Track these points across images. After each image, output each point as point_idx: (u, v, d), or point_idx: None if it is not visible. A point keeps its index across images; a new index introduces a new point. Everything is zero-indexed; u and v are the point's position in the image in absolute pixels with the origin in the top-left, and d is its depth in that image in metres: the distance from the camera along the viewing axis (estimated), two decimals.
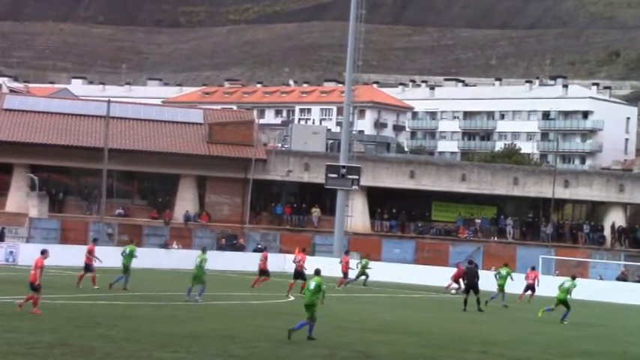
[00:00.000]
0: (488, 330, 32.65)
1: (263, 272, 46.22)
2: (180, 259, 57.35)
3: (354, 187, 69.07)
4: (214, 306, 35.20)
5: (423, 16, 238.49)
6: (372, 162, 78.65)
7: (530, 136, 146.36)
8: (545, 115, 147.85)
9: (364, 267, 52.88)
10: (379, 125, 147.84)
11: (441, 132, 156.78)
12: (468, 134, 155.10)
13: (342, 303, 40.36)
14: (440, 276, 56.87)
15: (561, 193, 79.84)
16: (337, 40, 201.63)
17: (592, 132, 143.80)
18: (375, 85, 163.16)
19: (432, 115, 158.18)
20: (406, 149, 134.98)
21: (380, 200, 78.63)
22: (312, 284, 26.33)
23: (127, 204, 75.38)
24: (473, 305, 40.11)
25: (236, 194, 75.63)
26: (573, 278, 38.67)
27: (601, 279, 62.27)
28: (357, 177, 68.55)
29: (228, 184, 75.25)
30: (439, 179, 78.94)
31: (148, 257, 55.70)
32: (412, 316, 36.66)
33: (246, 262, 59.38)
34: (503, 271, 45.23)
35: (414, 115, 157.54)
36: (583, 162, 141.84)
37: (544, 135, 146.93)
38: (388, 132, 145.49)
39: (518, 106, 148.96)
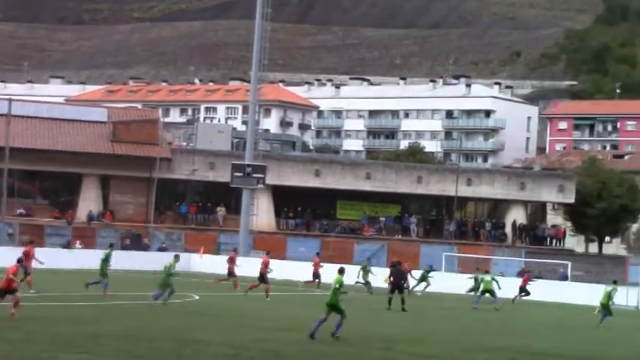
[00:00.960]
0: (395, 328, 32.96)
1: (262, 278, 44.55)
2: (83, 258, 56.70)
3: (259, 185, 69.12)
4: (118, 306, 34.93)
5: (328, 15, 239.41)
6: (277, 161, 78.74)
7: (434, 134, 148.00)
8: (449, 114, 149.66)
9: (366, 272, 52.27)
10: (285, 124, 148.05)
11: (346, 131, 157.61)
12: (372, 133, 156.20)
13: (251, 302, 40.34)
14: (345, 274, 57.18)
15: (464, 191, 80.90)
16: (243, 38, 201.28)
17: (494, 131, 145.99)
18: (280, 84, 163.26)
19: (338, 113, 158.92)
20: (311, 148, 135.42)
21: (285, 199, 78.76)
22: (336, 285, 27.53)
23: (28, 204, 74.21)
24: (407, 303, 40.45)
25: (140, 193, 75.04)
26: (615, 282, 39.17)
27: (502, 276, 63.23)
28: (262, 176, 68.62)
29: (133, 184, 74.62)
30: (344, 178, 79.37)
31: (50, 258, 54.89)
32: (314, 314, 36.77)
33: (150, 261, 58.91)
34: (487, 277, 46.40)
35: (320, 113, 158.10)
36: (485, 160, 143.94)
37: (447, 134, 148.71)
38: (294, 131, 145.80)
39: (422, 105, 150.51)
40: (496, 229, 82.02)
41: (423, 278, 52.67)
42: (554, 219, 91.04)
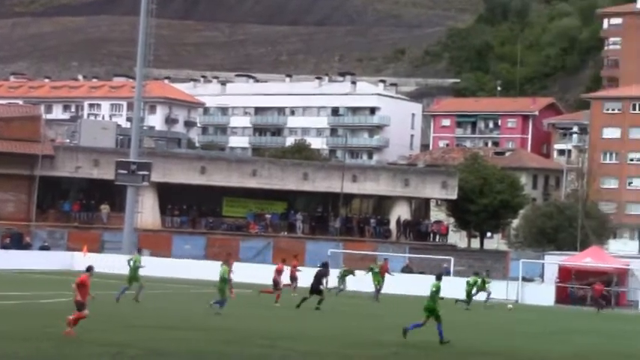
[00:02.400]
0: (280, 325, 33.08)
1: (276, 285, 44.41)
2: None
3: (144, 183, 68.57)
4: None
5: (214, 11, 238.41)
6: (162, 158, 78.22)
7: (319, 131, 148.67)
8: (334, 111, 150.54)
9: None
10: (170, 121, 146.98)
11: (232, 128, 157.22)
12: (258, 130, 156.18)
13: (147, 301, 40.04)
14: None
15: (349, 187, 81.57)
16: (127, 34, 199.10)
17: (379, 128, 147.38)
18: (166, 81, 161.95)
19: (224, 110, 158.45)
20: (197, 145, 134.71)
21: (171, 196, 78.30)
22: (432, 288, 29.17)
23: None
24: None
25: (22, 191, 73.72)
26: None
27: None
28: (147, 173, 68.07)
29: (14, 181, 73.20)
30: (230, 175, 79.27)
31: None
32: (202, 312, 36.71)
33: (31, 261, 58.00)
34: (471, 280, 49.01)
35: (206, 110, 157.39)
36: (370, 157, 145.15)
37: (333, 131, 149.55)
38: (179, 128, 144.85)
39: (308, 102, 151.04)
40: (381, 226, 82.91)
41: (343, 277, 53.20)
42: (437, 215, 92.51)
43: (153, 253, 64.14)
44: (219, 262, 38.49)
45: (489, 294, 52.52)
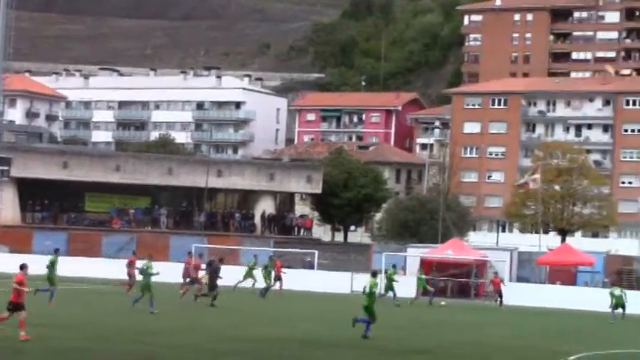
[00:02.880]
0: (146, 321, 32.88)
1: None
2: None
3: (3, 178, 67.14)
4: None
5: (77, 4, 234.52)
6: (23, 152, 76.71)
7: (184, 126, 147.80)
8: (199, 106, 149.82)
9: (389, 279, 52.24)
10: (31, 115, 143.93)
11: (95, 122, 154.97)
12: (122, 124, 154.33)
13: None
14: (93, 267, 57.11)
15: (214, 182, 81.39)
16: None
17: (244, 122, 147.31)
18: (27, 74, 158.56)
19: (87, 104, 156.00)
20: (59, 140, 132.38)
21: (31, 191, 76.82)
22: (367, 287, 30.57)
23: None
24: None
25: None
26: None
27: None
28: (6, 168, 66.68)
29: None
30: (93, 170, 78.24)
31: None
32: (66, 310, 36.21)
33: None
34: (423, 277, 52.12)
35: (68, 104, 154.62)
36: (235, 152, 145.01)
37: (198, 125, 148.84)
38: (40, 122, 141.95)
39: (172, 97, 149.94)
40: (245, 220, 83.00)
41: (249, 274, 52.96)
42: (302, 209, 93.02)
43: (12, 249, 62.91)
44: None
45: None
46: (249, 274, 53.67)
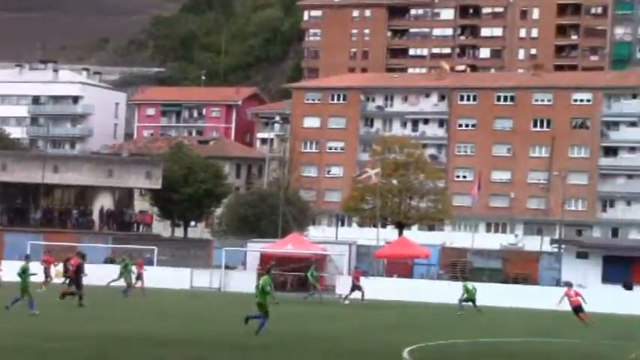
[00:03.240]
0: None
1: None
2: None
3: None
4: None
5: None
6: None
7: (19, 120, 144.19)
8: (35, 100, 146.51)
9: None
10: None
11: None
12: None
13: None
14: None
15: (51, 178, 79.83)
16: None
17: (82, 117, 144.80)
18: None
19: None
20: None
21: None
22: (261, 284, 31.01)
23: None
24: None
25: None
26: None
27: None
28: None
29: None
30: None
31: None
32: None
33: None
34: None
35: None
36: (73, 147, 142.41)
37: (34, 120, 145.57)
38: None
39: (7, 91, 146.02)
40: (83, 216, 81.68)
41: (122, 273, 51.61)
42: (141, 205, 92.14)
43: None
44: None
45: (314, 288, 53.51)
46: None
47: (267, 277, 31.38)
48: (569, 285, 43.56)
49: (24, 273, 35.93)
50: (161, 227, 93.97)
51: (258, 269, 60.32)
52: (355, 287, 52.56)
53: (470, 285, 48.27)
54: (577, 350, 32.66)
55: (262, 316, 31.10)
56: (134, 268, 51.51)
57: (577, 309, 41.68)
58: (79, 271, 41.00)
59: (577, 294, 42.03)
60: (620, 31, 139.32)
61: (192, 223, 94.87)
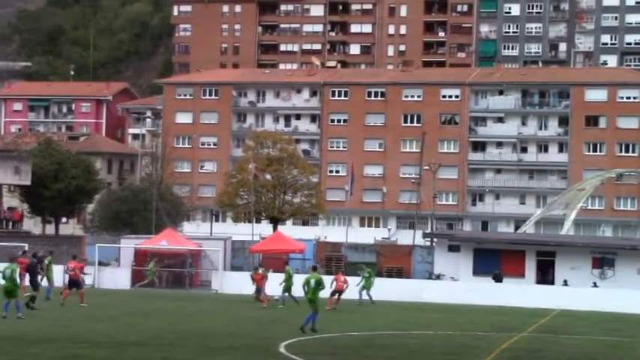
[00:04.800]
0: None
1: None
2: None
3: None
4: None
5: None
6: None
7: None
8: None
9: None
10: None
11: None
12: None
13: None
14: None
15: None
16: None
17: None
18: None
19: None
20: None
21: None
22: (312, 281, 32.42)
23: None
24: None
25: None
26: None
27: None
28: None
29: None
30: None
31: None
32: None
33: None
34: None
35: None
36: None
37: None
38: None
39: None
40: None
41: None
42: (10, 201, 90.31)
43: None
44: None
45: None
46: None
47: (316, 275, 32.62)
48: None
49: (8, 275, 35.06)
50: (32, 224, 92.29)
51: (133, 265, 59.96)
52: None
53: (366, 273, 49.55)
54: (453, 341, 33.42)
55: (314, 315, 32.37)
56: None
57: (338, 292, 45.29)
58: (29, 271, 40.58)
59: (345, 281, 46.02)
60: (485, 28, 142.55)
61: (64, 219, 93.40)
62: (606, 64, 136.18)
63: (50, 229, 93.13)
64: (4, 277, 35.49)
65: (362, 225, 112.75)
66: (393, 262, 66.90)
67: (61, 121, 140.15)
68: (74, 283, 43.38)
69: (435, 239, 68.36)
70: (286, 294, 47.07)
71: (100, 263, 60.77)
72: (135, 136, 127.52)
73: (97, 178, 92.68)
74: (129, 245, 63.34)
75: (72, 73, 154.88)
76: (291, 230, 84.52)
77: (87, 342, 28.50)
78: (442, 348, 31.26)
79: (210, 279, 60.55)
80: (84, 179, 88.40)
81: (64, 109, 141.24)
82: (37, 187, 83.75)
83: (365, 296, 48.86)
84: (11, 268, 35.42)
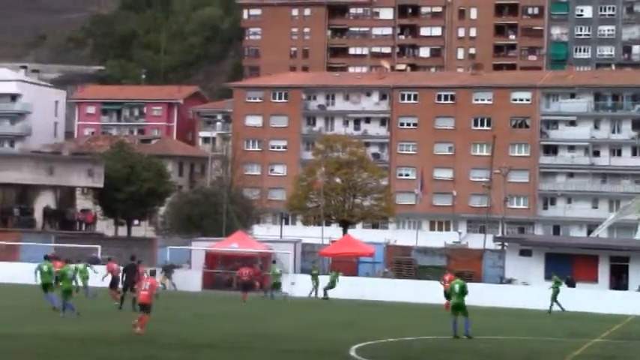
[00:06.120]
0: None
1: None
2: None
3: None
4: None
5: None
6: None
7: None
8: None
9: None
10: None
11: None
12: None
13: None
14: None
15: None
16: None
17: (21, 115, 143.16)
18: None
19: None
20: None
21: None
22: (456, 286, 32.98)
23: None
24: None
25: None
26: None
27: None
28: None
29: None
30: None
31: None
32: None
33: None
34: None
35: None
36: (12, 145, 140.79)
37: None
38: None
39: None
40: (24, 215, 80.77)
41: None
42: (84, 203, 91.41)
43: None
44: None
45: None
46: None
47: (460, 279, 33.51)
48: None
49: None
50: (104, 226, 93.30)
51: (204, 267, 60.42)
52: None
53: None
54: (525, 346, 33.12)
55: (467, 320, 32.76)
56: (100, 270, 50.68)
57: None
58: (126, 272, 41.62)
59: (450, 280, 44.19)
60: (556, 31, 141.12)
61: (136, 221, 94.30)
62: None
63: (122, 232, 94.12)
64: (66, 278, 35.87)
65: (432, 229, 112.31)
66: (464, 267, 66.31)
67: (133, 124, 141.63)
68: (115, 282, 44.65)
69: (506, 243, 67.83)
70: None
71: (172, 266, 61.26)
72: (205, 140, 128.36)
73: (168, 181, 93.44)
74: (200, 248, 63.79)
75: (144, 76, 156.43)
76: (360, 234, 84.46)
77: (160, 344, 28.73)
78: (514, 353, 31.01)
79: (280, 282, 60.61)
80: (155, 182, 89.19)
81: (136, 113, 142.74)
82: (110, 189, 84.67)
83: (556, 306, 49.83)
84: (77, 269, 36.04)
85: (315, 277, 56.07)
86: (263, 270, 57.58)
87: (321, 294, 55.16)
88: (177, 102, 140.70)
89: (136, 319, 30.66)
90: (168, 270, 59.54)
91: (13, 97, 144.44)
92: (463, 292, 33.20)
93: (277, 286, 52.99)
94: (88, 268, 49.39)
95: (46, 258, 39.86)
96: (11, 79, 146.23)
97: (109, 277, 46.33)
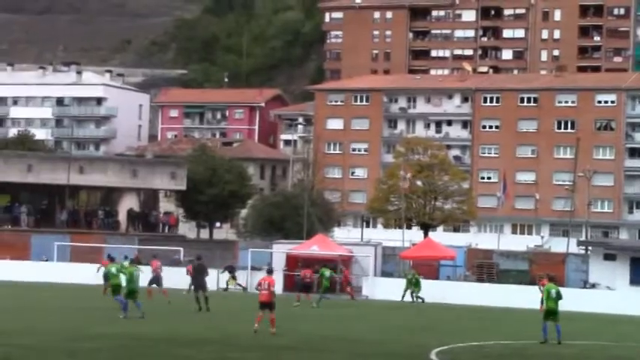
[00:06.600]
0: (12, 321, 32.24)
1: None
2: None
3: None
4: None
5: None
6: None
7: (44, 122, 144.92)
8: (60, 102, 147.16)
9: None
10: None
11: None
12: None
13: None
14: None
15: (76, 179, 79.80)
16: None
17: (106, 118, 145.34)
18: None
19: None
20: None
21: None
22: (552, 291, 32.55)
23: None
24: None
25: None
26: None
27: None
28: None
29: None
30: None
31: None
32: None
33: None
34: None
35: None
36: (97, 148, 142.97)
37: (58, 121, 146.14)
38: None
39: (31, 92, 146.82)
40: (109, 217, 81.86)
41: None
42: (166, 206, 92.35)
43: None
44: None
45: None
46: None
47: (554, 285, 33.34)
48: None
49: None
50: (186, 228, 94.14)
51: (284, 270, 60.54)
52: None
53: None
54: (609, 352, 32.58)
55: (558, 325, 32.70)
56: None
57: None
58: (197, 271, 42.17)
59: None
60: None
61: (218, 224, 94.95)
62: None
63: (204, 234, 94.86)
64: (132, 280, 36.03)
65: (514, 232, 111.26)
66: (546, 271, 65.44)
67: (215, 127, 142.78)
68: (156, 280, 45.51)
69: (589, 247, 66.78)
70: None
71: (253, 268, 61.51)
72: (287, 142, 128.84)
73: (249, 184, 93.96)
74: (281, 250, 63.94)
75: (226, 80, 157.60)
76: (441, 237, 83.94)
77: (238, 345, 28.83)
78: (597, 359, 30.50)
79: (360, 285, 60.60)
80: (237, 185, 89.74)
81: (218, 116, 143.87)
82: (192, 192, 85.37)
83: None
84: (139, 271, 36.32)
85: (412, 282, 54.55)
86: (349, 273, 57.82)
87: (408, 297, 54.07)
88: (259, 105, 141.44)
89: (255, 320, 31.18)
90: (231, 271, 59.77)
91: (99, 101, 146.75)
92: (559, 297, 32.81)
93: (327, 289, 52.30)
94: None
95: (128, 259, 40.29)
96: (97, 83, 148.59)
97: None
